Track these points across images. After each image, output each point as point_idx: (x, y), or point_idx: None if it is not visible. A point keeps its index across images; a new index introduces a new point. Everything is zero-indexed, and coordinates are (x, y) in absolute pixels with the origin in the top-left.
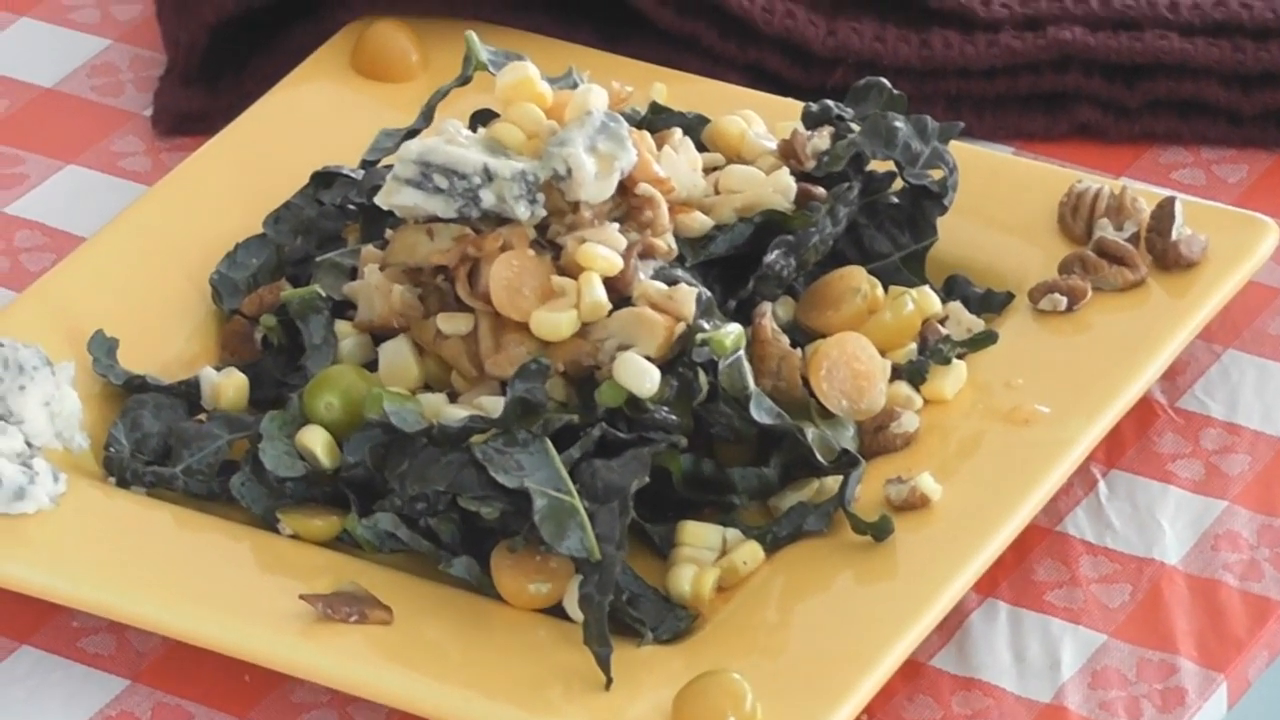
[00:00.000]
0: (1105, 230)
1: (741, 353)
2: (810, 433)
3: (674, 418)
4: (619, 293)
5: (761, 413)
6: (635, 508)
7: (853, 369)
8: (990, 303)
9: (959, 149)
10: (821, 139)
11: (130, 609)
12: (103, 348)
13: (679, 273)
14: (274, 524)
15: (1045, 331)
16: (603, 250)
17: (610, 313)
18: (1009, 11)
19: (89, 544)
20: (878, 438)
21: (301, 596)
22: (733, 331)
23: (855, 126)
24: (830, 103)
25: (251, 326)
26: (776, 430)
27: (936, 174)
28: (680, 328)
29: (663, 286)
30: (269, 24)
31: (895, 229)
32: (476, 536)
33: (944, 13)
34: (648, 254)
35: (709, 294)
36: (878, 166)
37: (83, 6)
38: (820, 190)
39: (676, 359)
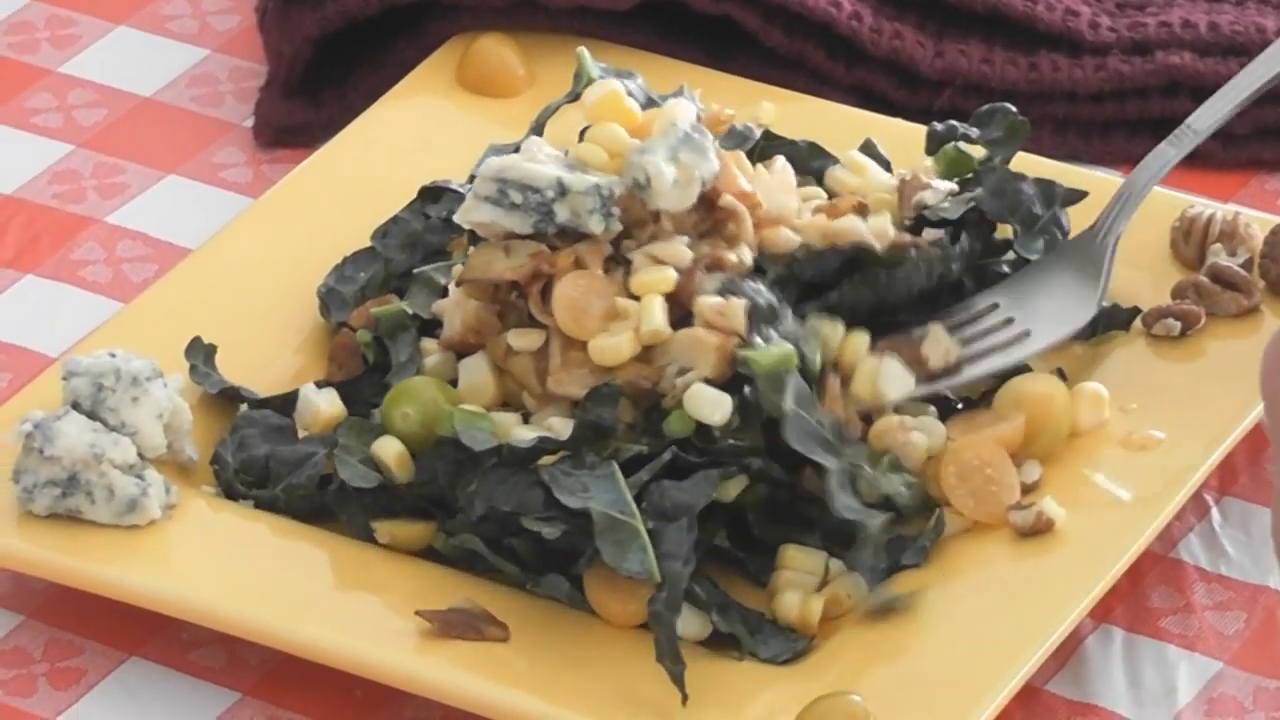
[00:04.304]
0: (1218, 256)
1: (787, 372)
2: (867, 472)
3: (744, 443)
4: (683, 308)
5: (794, 436)
6: (732, 539)
7: (985, 475)
8: (1115, 319)
9: (1068, 172)
10: (935, 194)
11: (241, 622)
12: (200, 354)
13: (745, 284)
14: (370, 534)
15: (1159, 357)
16: (656, 272)
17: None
18: (1117, 35)
19: (201, 556)
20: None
21: (418, 612)
22: (775, 352)
23: (980, 149)
24: (956, 124)
25: (359, 340)
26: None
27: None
28: (734, 342)
29: (718, 300)
30: (372, 37)
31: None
32: (562, 558)
33: (1052, 36)
34: (715, 267)
35: (770, 302)
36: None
37: (181, 16)
38: (914, 239)
39: (737, 377)
